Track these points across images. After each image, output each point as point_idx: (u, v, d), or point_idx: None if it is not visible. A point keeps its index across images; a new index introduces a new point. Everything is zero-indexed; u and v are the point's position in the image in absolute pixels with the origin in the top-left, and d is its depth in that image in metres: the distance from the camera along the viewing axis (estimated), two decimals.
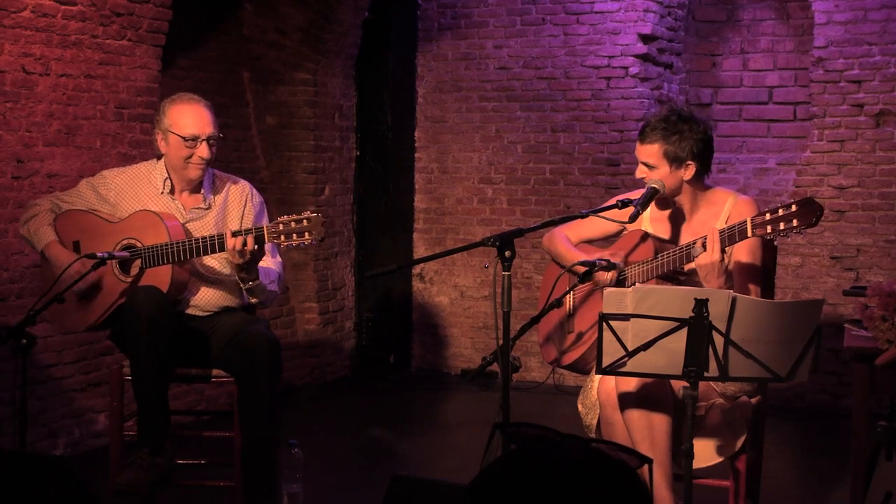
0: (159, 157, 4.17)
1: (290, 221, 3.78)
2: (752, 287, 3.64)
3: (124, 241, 3.99)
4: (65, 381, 5.28)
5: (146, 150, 5.43)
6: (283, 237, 3.79)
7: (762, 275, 3.78)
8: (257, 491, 3.93)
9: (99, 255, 3.85)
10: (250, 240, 3.80)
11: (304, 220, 3.77)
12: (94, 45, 5.27)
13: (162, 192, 4.12)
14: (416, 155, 7.50)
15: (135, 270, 3.95)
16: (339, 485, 4.91)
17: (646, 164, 3.72)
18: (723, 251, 3.45)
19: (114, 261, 3.93)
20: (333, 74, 7.01)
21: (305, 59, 6.80)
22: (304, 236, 3.77)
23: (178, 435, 4.12)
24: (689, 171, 3.70)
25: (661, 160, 3.70)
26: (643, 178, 3.75)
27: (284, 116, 6.88)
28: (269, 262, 4.11)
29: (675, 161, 3.68)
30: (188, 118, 4.04)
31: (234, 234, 3.84)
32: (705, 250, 3.46)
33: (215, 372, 4.08)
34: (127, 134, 5.50)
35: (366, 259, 7.34)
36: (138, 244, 3.96)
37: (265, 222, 4.17)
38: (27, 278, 5.05)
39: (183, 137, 4.02)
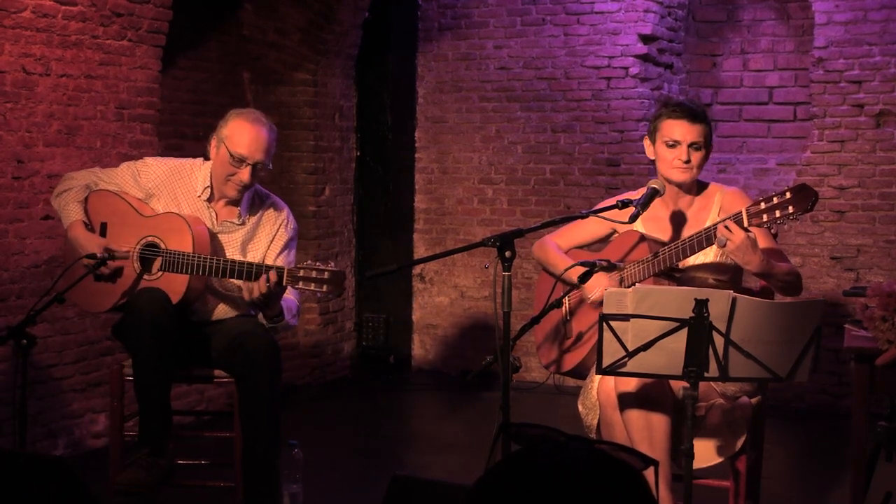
0: (207, 158, 4.11)
1: (312, 270, 3.73)
2: (783, 264, 3.60)
3: (148, 238, 3.96)
4: (65, 381, 5.28)
5: (146, 151, 5.42)
6: (300, 283, 3.74)
7: (784, 255, 3.77)
8: (257, 491, 3.93)
9: (99, 255, 3.87)
10: (273, 276, 3.75)
11: (327, 273, 3.72)
12: (95, 46, 5.27)
13: (199, 196, 4.07)
14: (417, 155, 7.50)
15: (156, 270, 3.95)
16: (339, 485, 4.91)
17: (693, 145, 3.67)
18: (745, 229, 3.37)
19: (135, 255, 3.92)
20: (333, 75, 7.01)
21: (305, 59, 6.80)
22: (322, 288, 3.73)
23: (178, 435, 4.12)
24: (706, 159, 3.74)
25: (707, 141, 3.71)
26: (685, 163, 3.66)
27: (284, 116, 6.87)
28: (289, 293, 4.01)
29: (710, 144, 3.72)
30: (245, 137, 3.95)
31: (256, 274, 3.79)
32: (726, 240, 3.37)
33: (216, 372, 4.08)
34: (127, 134, 5.50)
35: (366, 259, 7.34)
36: (162, 244, 3.94)
37: (292, 257, 4.13)
38: (27, 278, 5.05)
39: (231, 154, 3.95)
